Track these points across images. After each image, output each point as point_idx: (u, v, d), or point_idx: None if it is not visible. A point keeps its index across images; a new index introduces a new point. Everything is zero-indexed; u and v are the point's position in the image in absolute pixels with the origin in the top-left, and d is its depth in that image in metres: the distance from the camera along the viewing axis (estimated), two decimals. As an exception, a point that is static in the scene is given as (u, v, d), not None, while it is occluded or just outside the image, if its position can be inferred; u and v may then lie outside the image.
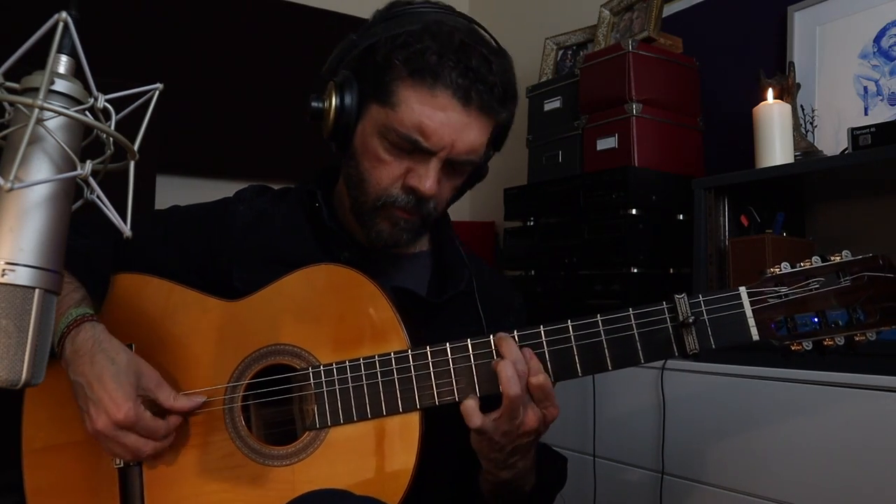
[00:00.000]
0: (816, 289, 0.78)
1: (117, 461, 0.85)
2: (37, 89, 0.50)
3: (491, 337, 0.83)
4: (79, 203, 0.56)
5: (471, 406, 0.80)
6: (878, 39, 1.52)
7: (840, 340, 0.77)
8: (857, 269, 0.77)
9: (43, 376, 0.53)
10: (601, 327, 0.82)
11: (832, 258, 0.79)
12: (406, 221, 0.91)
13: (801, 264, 0.79)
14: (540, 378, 0.79)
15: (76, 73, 0.54)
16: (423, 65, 0.83)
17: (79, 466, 0.88)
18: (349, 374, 0.85)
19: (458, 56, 0.84)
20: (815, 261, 0.79)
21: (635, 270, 1.53)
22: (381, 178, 0.89)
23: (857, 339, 0.77)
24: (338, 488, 0.81)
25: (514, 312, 1.07)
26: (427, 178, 0.87)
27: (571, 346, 0.82)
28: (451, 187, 0.93)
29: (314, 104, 0.91)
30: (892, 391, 1.01)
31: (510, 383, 0.78)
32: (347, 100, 0.89)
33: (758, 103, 1.41)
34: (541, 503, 0.98)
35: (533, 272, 1.78)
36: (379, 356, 0.84)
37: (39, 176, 0.51)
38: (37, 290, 0.51)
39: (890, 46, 1.51)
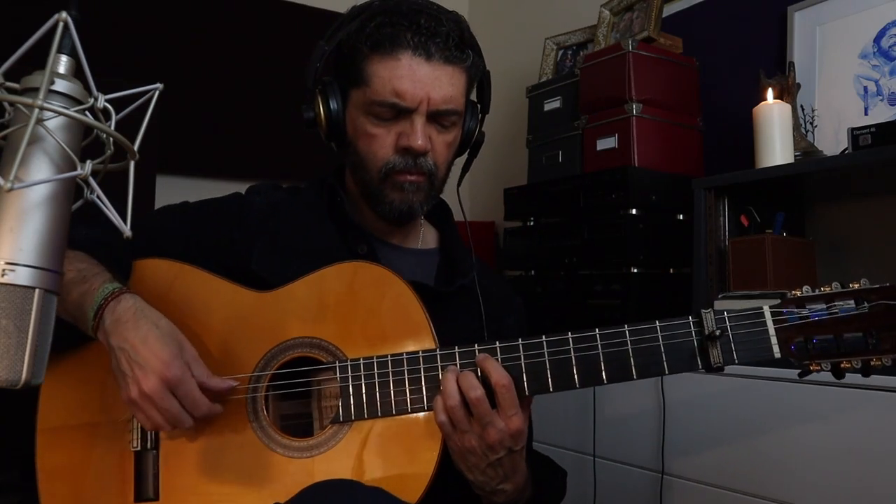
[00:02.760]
0: (835, 313, 0.80)
1: (134, 443, 0.85)
2: (37, 89, 0.50)
3: (520, 340, 0.84)
4: (79, 203, 0.56)
5: (437, 404, 0.83)
6: (878, 39, 1.53)
7: (857, 364, 0.79)
8: (875, 297, 0.80)
9: (43, 376, 0.52)
10: (628, 337, 0.83)
11: (851, 285, 0.81)
12: (411, 184, 0.95)
13: (822, 289, 0.82)
14: (478, 392, 0.81)
15: (76, 73, 0.54)
16: (380, 38, 0.91)
17: (94, 448, 0.88)
18: (376, 371, 0.86)
19: (408, 20, 0.90)
20: (835, 286, 0.82)
21: (635, 270, 1.53)
22: (377, 150, 0.95)
23: (874, 363, 0.79)
24: (347, 479, 0.82)
25: (514, 313, 1.09)
26: (415, 134, 0.92)
27: (598, 354, 0.83)
28: (444, 143, 0.97)
29: (306, 115, 0.98)
30: (893, 391, 1.01)
31: (447, 398, 0.82)
32: (332, 99, 0.96)
33: (758, 103, 1.41)
34: None
35: (533, 272, 1.78)
36: (407, 354, 0.85)
37: (39, 176, 0.51)
38: (37, 290, 0.51)
39: (890, 46, 1.51)
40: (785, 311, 0.81)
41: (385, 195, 0.96)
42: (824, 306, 0.81)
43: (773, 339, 0.81)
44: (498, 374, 0.81)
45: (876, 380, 1.03)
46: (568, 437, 1.49)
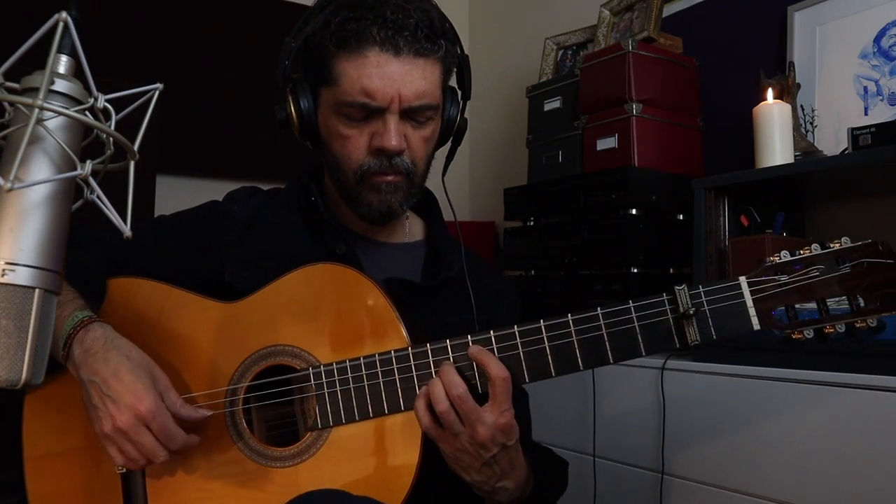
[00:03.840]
0: (816, 276, 0.78)
1: (120, 466, 0.84)
2: (37, 89, 0.50)
3: (492, 332, 0.83)
4: (79, 203, 0.56)
5: (419, 408, 0.81)
6: (878, 39, 1.52)
7: (841, 328, 0.77)
8: (857, 255, 0.77)
9: (42, 376, 0.53)
10: (602, 321, 0.81)
11: (831, 245, 0.79)
12: (388, 185, 0.93)
13: (801, 252, 0.79)
14: (460, 390, 0.78)
15: (76, 73, 0.54)
16: (345, 34, 0.87)
17: (81, 472, 0.88)
18: (350, 374, 0.85)
19: (373, 14, 0.86)
20: (815, 248, 0.79)
21: (635, 270, 1.53)
22: (351, 152, 0.92)
23: (858, 325, 0.77)
24: (335, 489, 0.81)
25: (506, 302, 1.07)
26: (388, 134, 0.89)
27: (572, 340, 0.81)
28: (420, 138, 0.93)
29: (278, 115, 0.95)
30: (893, 391, 1.01)
31: (436, 403, 0.79)
32: (302, 98, 0.93)
33: (758, 103, 1.41)
34: None
35: (533, 272, 1.78)
36: (379, 355, 0.84)
37: (39, 176, 0.51)
38: (37, 290, 0.51)
39: (890, 46, 1.51)
40: (764, 279, 0.79)
41: (363, 197, 0.94)
42: (805, 270, 0.78)
43: (752, 311, 0.78)
44: (497, 368, 0.79)
45: (876, 379, 1.02)
46: (568, 437, 1.49)
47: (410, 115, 0.90)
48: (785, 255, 0.79)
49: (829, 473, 1.07)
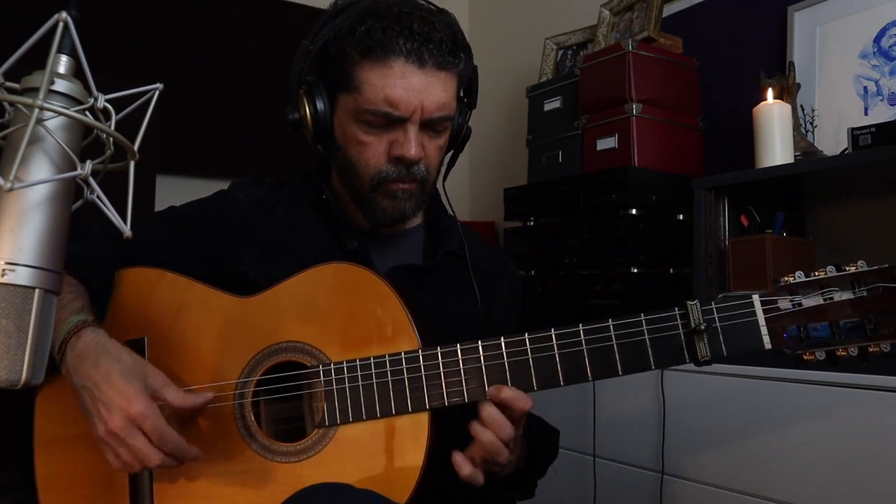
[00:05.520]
0: (830, 299, 0.77)
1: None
2: (37, 89, 0.50)
3: (502, 339, 0.84)
4: (79, 203, 0.56)
5: (458, 461, 0.82)
6: (878, 39, 1.53)
7: (853, 351, 0.76)
8: (873, 279, 0.76)
9: (42, 376, 0.53)
10: (612, 332, 0.82)
11: (847, 268, 0.78)
12: (404, 192, 0.95)
13: (816, 273, 0.78)
14: (504, 393, 0.82)
15: (76, 73, 0.54)
16: (371, 43, 0.88)
17: (90, 458, 0.88)
18: (359, 373, 0.85)
19: (400, 25, 0.88)
20: (830, 270, 0.78)
21: (635, 270, 1.53)
22: (368, 159, 0.93)
23: (871, 350, 0.76)
24: (338, 482, 0.82)
25: (506, 280, 1.08)
26: (409, 144, 0.91)
27: (582, 350, 0.82)
28: (436, 147, 0.96)
29: (291, 116, 0.96)
30: (893, 391, 1.01)
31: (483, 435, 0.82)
32: (318, 102, 0.94)
33: (758, 103, 1.41)
34: (534, 475, 1.02)
35: (533, 272, 1.78)
36: (389, 356, 0.85)
37: (39, 176, 0.51)
38: (37, 290, 0.51)
39: (890, 46, 1.51)
40: (777, 298, 0.78)
41: (377, 203, 0.95)
42: (819, 292, 0.78)
43: (763, 330, 0.78)
44: (524, 402, 0.82)
45: (876, 380, 1.03)
46: (568, 437, 1.49)
47: (429, 125, 0.92)
48: (800, 276, 0.79)
49: (829, 473, 1.07)
